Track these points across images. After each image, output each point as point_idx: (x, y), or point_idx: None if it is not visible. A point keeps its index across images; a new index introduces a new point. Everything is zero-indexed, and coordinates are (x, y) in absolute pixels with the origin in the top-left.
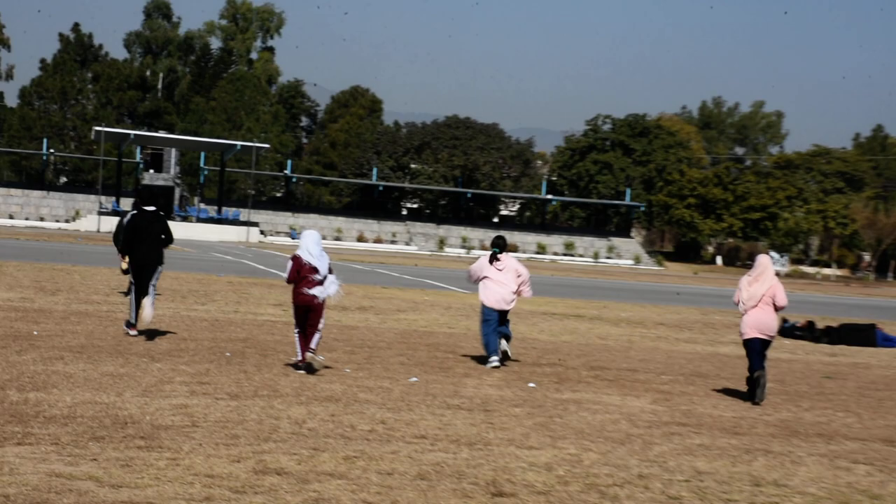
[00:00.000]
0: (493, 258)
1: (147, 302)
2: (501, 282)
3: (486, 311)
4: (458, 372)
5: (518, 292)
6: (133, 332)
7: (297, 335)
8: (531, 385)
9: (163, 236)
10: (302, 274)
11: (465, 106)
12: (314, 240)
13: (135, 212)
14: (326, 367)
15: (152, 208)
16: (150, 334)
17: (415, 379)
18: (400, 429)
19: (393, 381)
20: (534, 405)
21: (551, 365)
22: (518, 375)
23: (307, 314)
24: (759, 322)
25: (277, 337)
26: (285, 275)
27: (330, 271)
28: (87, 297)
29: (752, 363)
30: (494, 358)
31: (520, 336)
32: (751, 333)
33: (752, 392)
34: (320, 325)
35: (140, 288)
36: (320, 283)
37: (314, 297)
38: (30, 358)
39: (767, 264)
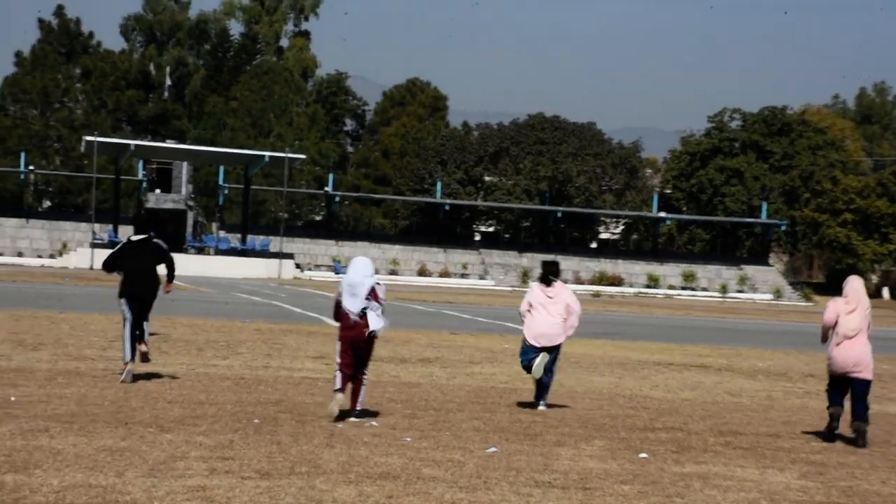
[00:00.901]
0: (544, 285)
1: (140, 347)
2: (549, 312)
3: (526, 346)
4: (549, 440)
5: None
6: (129, 374)
7: (338, 372)
8: (643, 456)
9: (158, 264)
10: (342, 314)
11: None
12: (362, 269)
13: (125, 241)
14: (375, 433)
15: (140, 237)
16: (158, 397)
17: (494, 449)
18: None
19: (466, 453)
20: (647, 481)
21: (667, 429)
22: (626, 443)
23: (355, 353)
24: (854, 356)
25: (319, 398)
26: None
27: (376, 298)
28: (79, 352)
29: (831, 398)
30: (542, 404)
31: (629, 393)
32: (842, 369)
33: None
34: (365, 380)
35: (136, 323)
36: (362, 316)
37: (361, 328)
38: (6, 430)
39: (861, 289)
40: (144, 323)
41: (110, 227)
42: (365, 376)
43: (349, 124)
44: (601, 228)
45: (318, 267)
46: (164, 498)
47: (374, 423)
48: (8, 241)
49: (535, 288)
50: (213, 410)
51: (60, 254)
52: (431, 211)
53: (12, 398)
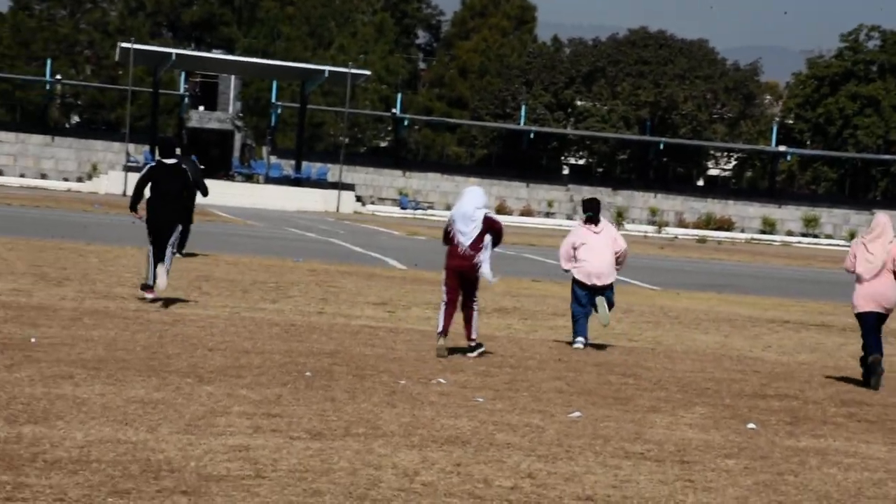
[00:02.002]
0: (590, 223)
1: (161, 270)
2: (599, 250)
3: (580, 293)
4: (643, 405)
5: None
6: (149, 296)
7: (444, 307)
8: (751, 426)
9: (185, 192)
10: (452, 239)
11: (656, 15)
12: (474, 200)
13: (153, 164)
14: (443, 393)
15: (173, 161)
16: (197, 344)
17: (578, 414)
18: (556, 486)
19: (546, 417)
20: (754, 456)
21: (780, 397)
22: (732, 411)
23: (463, 283)
24: (877, 293)
25: (379, 350)
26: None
27: (493, 241)
28: (108, 290)
29: (866, 343)
30: (580, 340)
31: (736, 354)
32: (866, 306)
33: (868, 379)
34: (475, 306)
35: (158, 249)
36: (471, 254)
37: (471, 259)
38: (25, 376)
39: (887, 224)
40: (168, 248)
41: (146, 147)
42: (475, 303)
43: (422, 37)
44: (710, 164)
45: (381, 200)
46: (202, 458)
47: (441, 380)
48: (31, 161)
49: (578, 227)
50: (258, 360)
51: (89, 177)
52: (514, 139)
53: (32, 340)
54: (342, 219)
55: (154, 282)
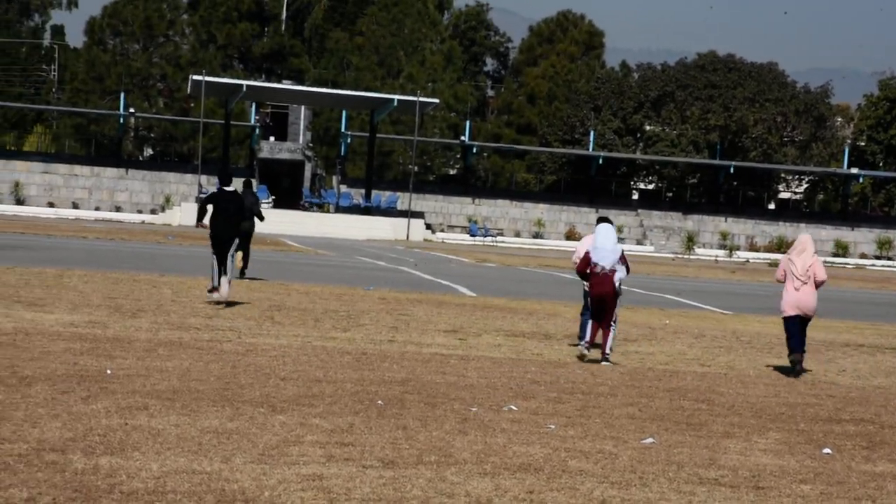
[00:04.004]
0: None
1: (224, 280)
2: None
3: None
4: (716, 430)
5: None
6: (215, 296)
7: (590, 322)
8: (826, 451)
9: (238, 214)
10: (591, 270)
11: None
12: (611, 235)
13: (215, 190)
14: (514, 419)
15: (231, 188)
16: (270, 374)
17: (651, 440)
18: None
19: (619, 443)
20: (830, 481)
21: (856, 421)
22: (807, 436)
23: (602, 302)
24: (801, 301)
25: (451, 377)
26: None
27: (625, 261)
28: (182, 321)
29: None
30: (583, 344)
31: (810, 378)
32: (791, 311)
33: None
34: (614, 319)
35: (220, 259)
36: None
37: (610, 285)
38: (101, 407)
39: (808, 241)
40: (229, 258)
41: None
42: (612, 326)
43: (490, 64)
44: (781, 187)
45: (451, 228)
46: (276, 487)
47: (512, 407)
48: (105, 195)
49: (589, 239)
50: (331, 389)
51: (163, 209)
52: (583, 165)
53: (108, 371)
54: (412, 247)
55: (218, 284)
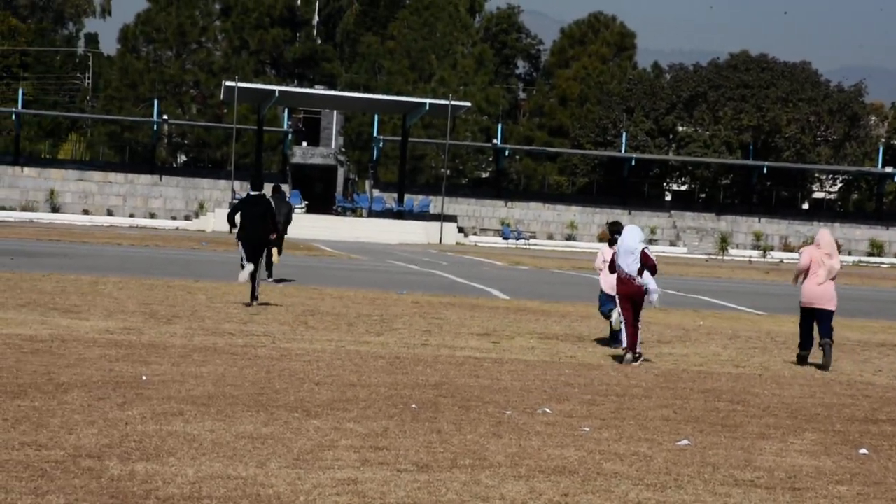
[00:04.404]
0: (612, 245)
1: (245, 271)
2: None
3: (602, 296)
4: (751, 431)
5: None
6: (256, 304)
7: (623, 326)
8: (863, 452)
9: (267, 216)
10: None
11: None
12: (636, 236)
13: (245, 195)
14: (546, 421)
15: (258, 193)
16: (304, 378)
17: (686, 442)
18: None
19: (653, 445)
20: (868, 482)
21: (893, 422)
22: (843, 437)
23: (630, 301)
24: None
25: (484, 381)
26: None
27: (647, 259)
28: (217, 327)
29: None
30: (613, 310)
31: (846, 379)
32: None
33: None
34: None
35: (254, 264)
36: (634, 279)
37: (634, 284)
38: (136, 413)
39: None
40: (261, 265)
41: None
42: (639, 323)
43: (521, 67)
44: (815, 187)
45: (483, 231)
46: (311, 492)
47: (546, 410)
48: (139, 201)
49: (605, 247)
50: (365, 394)
51: (196, 215)
52: (615, 167)
53: (143, 377)
54: (444, 250)
55: (256, 292)
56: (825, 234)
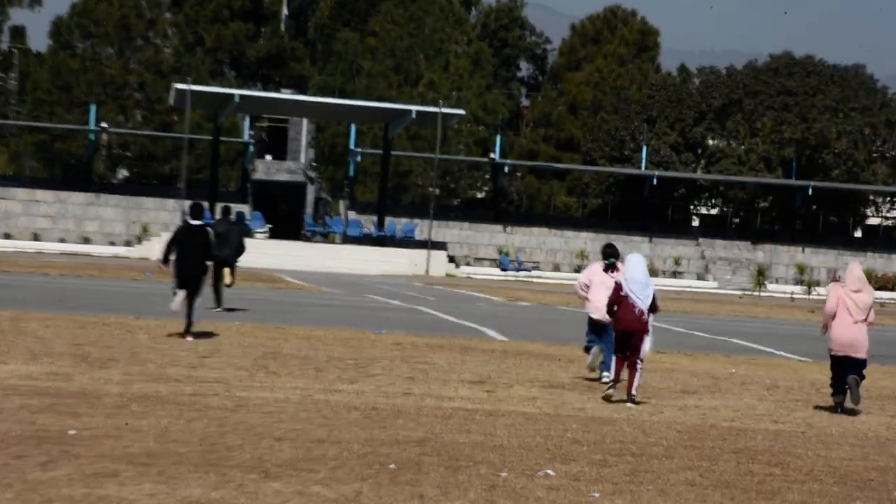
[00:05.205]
0: (610, 269)
1: (178, 297)
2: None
3: (590, 325)
4: (792, 500)
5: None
6: (190, 339)
7: (614, 357)
8: None
9: (206, 251)
10: (620, 300)
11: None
12: (643, 267)
13: (182, 224)
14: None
15: (199, 223)
16: (263, 433)
17: None
18: None
19: None
20: None
21: None
22: None
23: (629, 339)
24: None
25: (476, 436)
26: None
27: (652, 309)
28: (160, 372)
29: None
30: (605, 374)
31: None
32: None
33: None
34: (642, 356)
35: (190, 297)
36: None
37: (643, 322)
38: (62, 474)
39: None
40: (196, 300)
41: (205, 204)
42: (639, 363)
43: (525, 69)
44: (869, 211)
45: (478, 261)
46: None
47: (549, 471)
48: (72, 223)
49: (597, 267)
50: (335, 451)
51: (139, 240)
52: (633, 186)
53: (72, 432)
54: (432, 283)
55: (190, 323)
56: (853, 268)
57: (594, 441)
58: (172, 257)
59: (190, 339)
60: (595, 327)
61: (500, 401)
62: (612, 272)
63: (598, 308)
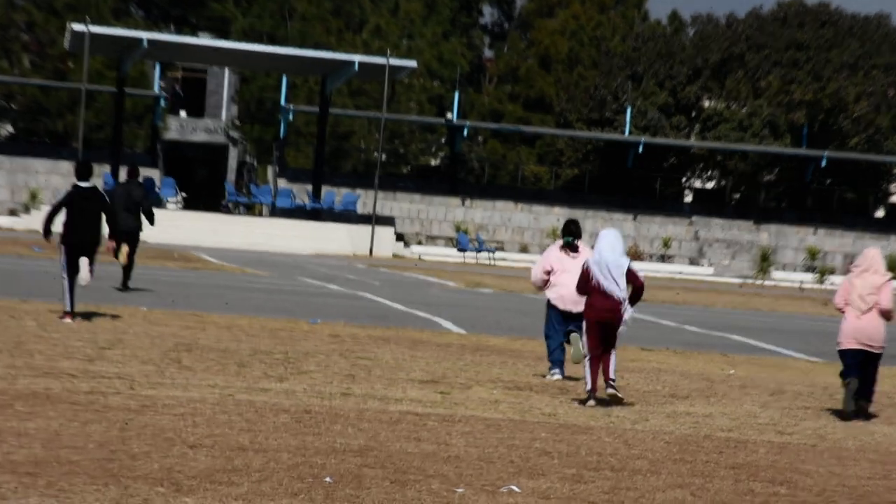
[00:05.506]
0: (568, 249)
1: (84, 263)
2: (576, 274)
3: (555, 317)
4: None
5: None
6: (68, 321)
7: (588, 361)
8: None
9: (102, 214)
10: (591, 288)
11: None
12: (616, 245)
13: (70, 188)
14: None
15: (88, 184)
16: (174, 438)
17: None
18: None
19: None
20: None
21: None
22: None
23: (603, 331)
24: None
25: (428, 446)
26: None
27: (635, 280)
28: (51, 365)
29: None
30: (556, 372)
31: None
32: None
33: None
34: (614, 352)
35: (74, 270)
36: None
37: (619, 311)
38: None
39: (877, 257)
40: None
41: (106, 168)
42: (613, 350)
43: (488, 14)
44: (893, 187)
45: (432, 239)
46: None
47: (514, 487)
48: None
49: (554, 249)
50: (260, 461)
51: (27, 208)
52: (615, 154)
53: None
54: (377, 265)
55: (72, 309)
56: (868, 252)
57: (567, 453)
58: (57, 229)
59: (69, 320)
60: (564, 318)
61: (457, 404)
62: (572, 253)
63: (562, 296)
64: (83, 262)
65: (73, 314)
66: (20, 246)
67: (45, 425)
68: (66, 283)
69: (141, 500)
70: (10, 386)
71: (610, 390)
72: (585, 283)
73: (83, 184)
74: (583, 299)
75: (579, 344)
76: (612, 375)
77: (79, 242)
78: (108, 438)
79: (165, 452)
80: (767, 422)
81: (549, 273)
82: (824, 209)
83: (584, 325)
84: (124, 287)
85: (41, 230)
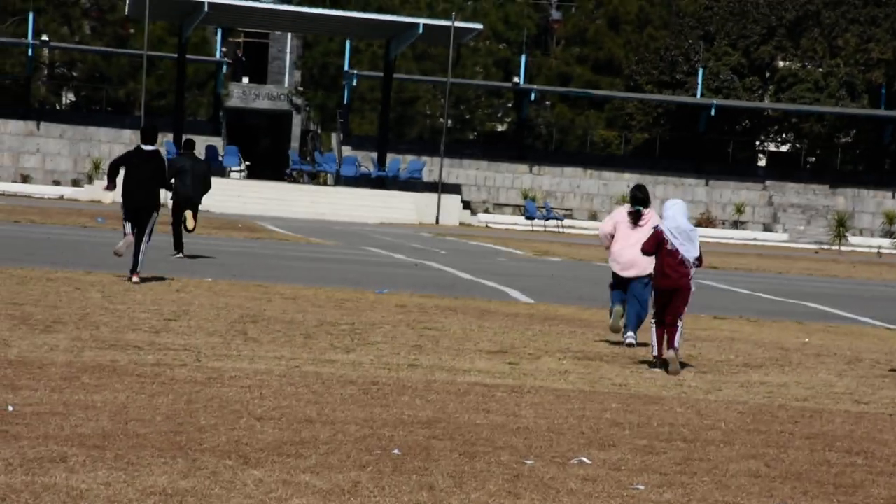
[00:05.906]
0: (634, 217)
1: (124, 241)
2: (634, 242)
3: (613, 275)
4: (877, 495)
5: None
6: (136, 280)
7: (653, 326)
8: None
9: (157, 178)
10: (663, 253)
11: None
12: (683, 210)
13: (131, 149)
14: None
15: (151, 147)
16: (241, 411)
17: None
18: None
19: None
20: None
21: None
22: None
23: (671, 298)
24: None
25: (497, 417)
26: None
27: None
28: (117, 337)
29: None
30: (630, 335)
31: None
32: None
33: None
34: (682, 315)
35: (138, 236)
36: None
37: (687, 272)
38: (0, 460)
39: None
40: (145, 237)
41: (169, 136)
42: (680, 321)
43: None
44: None
45: (499, 207)
46: None
47: (584, 459)
48: (7, 158)
49: (620, 212)
50: (327, 433)
51: (90, 178)
52: (687, 118)
53: (10, 408)
54: (443, 233)
55: (137, 264)
56: None
57: (638, 423)
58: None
59: (136, 279)
60: (619, 283)
61: (525, 375)
62: (636, 223)
63: (617, 261)
64: (127, 235)
65: (137, 272)
66: (84, 216)
67: (112, 398)
68: (126, 226)
69: (209, 473)
70: (77, 358)
71: (670, 353)
72: (657, 246)
73: (146, 147)
74: (635, 264)
75: (618, 316)
76: (676, 345)
77: (133, 208)
78: (175, 411)
79: (233, 425)
80: (843, 391)
81: (611, 237)
82: None
83: (650, 293)
84: (177, 250)
85: (106, 179)
